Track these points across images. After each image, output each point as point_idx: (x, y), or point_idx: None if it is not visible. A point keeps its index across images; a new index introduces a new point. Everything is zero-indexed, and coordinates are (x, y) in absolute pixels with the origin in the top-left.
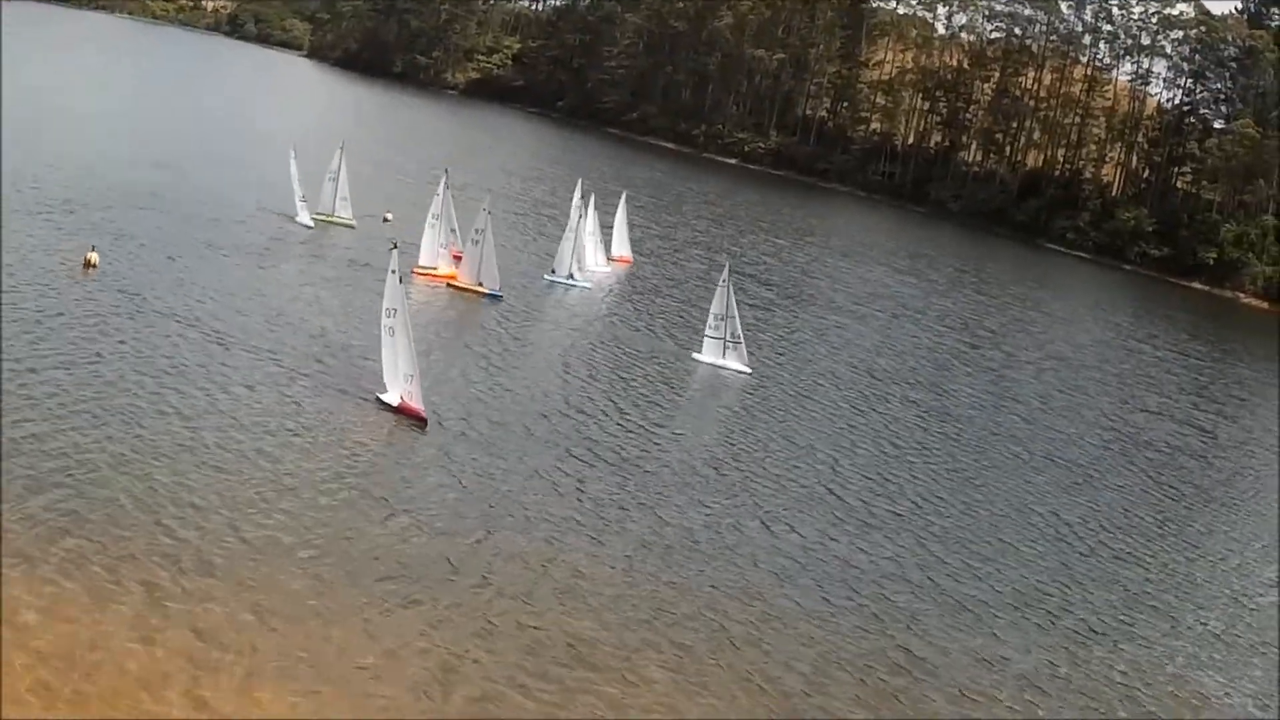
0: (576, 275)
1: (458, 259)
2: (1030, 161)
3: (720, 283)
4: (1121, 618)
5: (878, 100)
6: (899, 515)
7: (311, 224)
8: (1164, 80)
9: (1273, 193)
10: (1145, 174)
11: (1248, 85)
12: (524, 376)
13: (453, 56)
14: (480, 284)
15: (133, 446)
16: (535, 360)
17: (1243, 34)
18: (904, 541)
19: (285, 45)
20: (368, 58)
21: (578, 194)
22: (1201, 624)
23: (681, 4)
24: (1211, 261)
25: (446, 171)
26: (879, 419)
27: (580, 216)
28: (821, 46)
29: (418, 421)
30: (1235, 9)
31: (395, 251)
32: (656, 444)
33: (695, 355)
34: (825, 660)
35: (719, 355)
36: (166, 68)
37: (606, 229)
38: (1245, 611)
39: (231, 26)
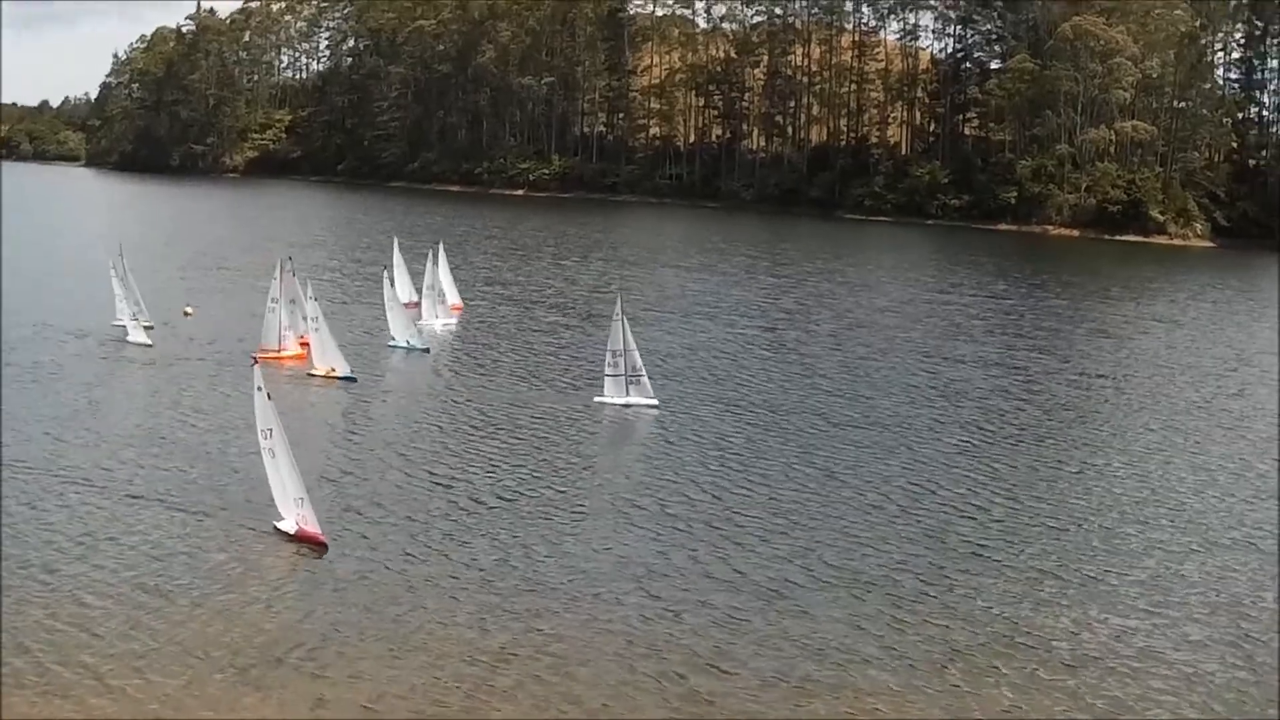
0: (412, 339)
1: (305, 345)
2: (815, 137)
3: (615, 317)
4: (948, 573)
5: (652, 105)
6: (705, 511)
7: (150, 341)
8: (933, 32)
9: (1062, 121)
10: (932, 128)
11: (1017, 21)
12: (418, 461)
13: (227, 139)
14: (332, 369)
15: None
16: (423, 441)
17: None
18: (707, 536)
19: (62, 158)
20: (145, 156)
21: (396, 254)
22: (1028, 563)
23: (442, 47)
24: (1013, 200)
25: (290, 259)
26: (673, 419)
27: (390, 283)
28: (587, 63)
29: (317, 546)
30: None
31: (257, 368)
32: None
33: (598, 397)
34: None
35: (622, 392)
36: None
37: (418, 277)
38: (1066, 545)
39: (7, 149)
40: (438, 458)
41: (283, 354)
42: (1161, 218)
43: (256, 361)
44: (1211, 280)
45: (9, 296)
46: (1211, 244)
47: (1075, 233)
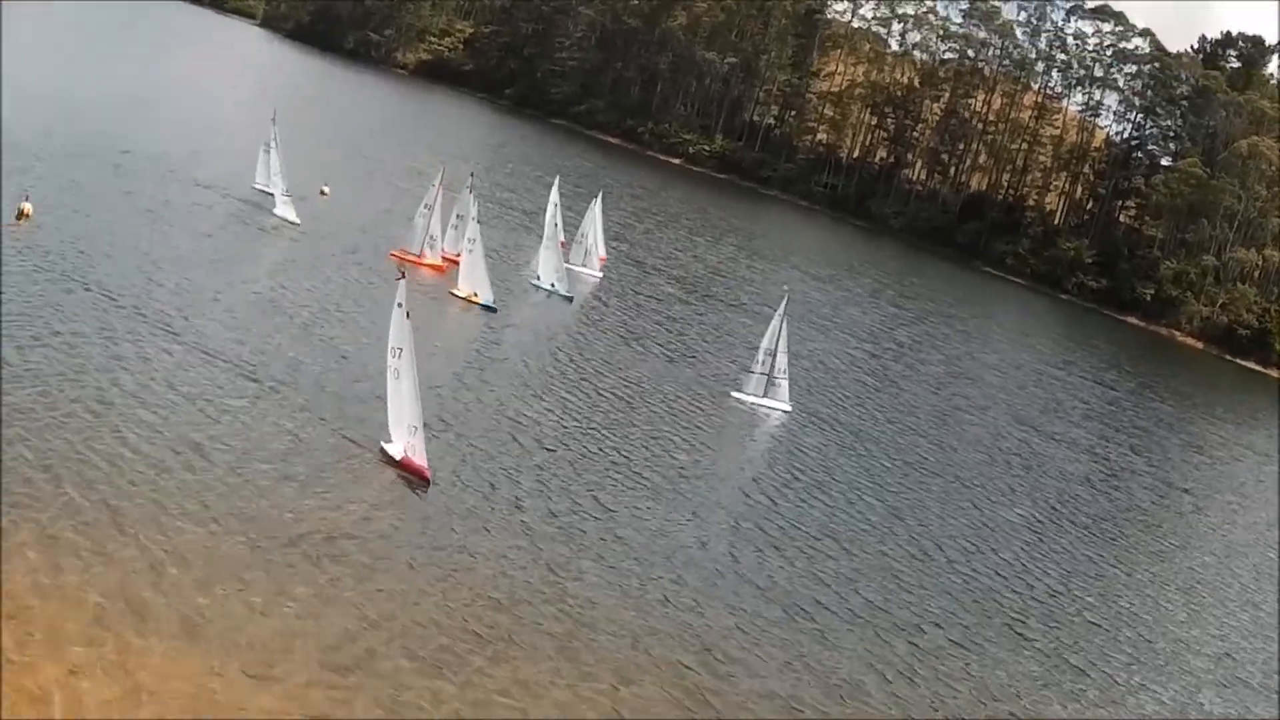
0: (557, 284)
1: (453, 263)
2: (974, 184)
3: (777, 316)
4: (977, 638)
5: (825, 112)
6: (766, 518)
7: (297, 220)
8: (1114, 113)
9: (1214, 233)
10: (1089, 205)
11: (1197, 125)
12: (534, 411)
13: (405, 36)
14: (475, 294)
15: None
16: (545, 391)
17: (1196, 73)
18: (759, 541)
19: (239, 13)
20: (320, 31)
21: (554, 192)
22: (1055, 649)
23: (636, 1)
24: (1149, 297)
25: (472, 175)
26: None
27: (556, 224)
28: (773, 54)
29: (420, 480)
30: (1191, 48)
31: (402, 283)
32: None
33: (735, 393)
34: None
35: (760, 391)
36: (113, 29)
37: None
38: (1096, 642)
39: None
40: (554, 412)
41: (422, 260)
42: None
43: (403, 276)
44: None
45: (161, 141)
46: None
47: (1200, 345)
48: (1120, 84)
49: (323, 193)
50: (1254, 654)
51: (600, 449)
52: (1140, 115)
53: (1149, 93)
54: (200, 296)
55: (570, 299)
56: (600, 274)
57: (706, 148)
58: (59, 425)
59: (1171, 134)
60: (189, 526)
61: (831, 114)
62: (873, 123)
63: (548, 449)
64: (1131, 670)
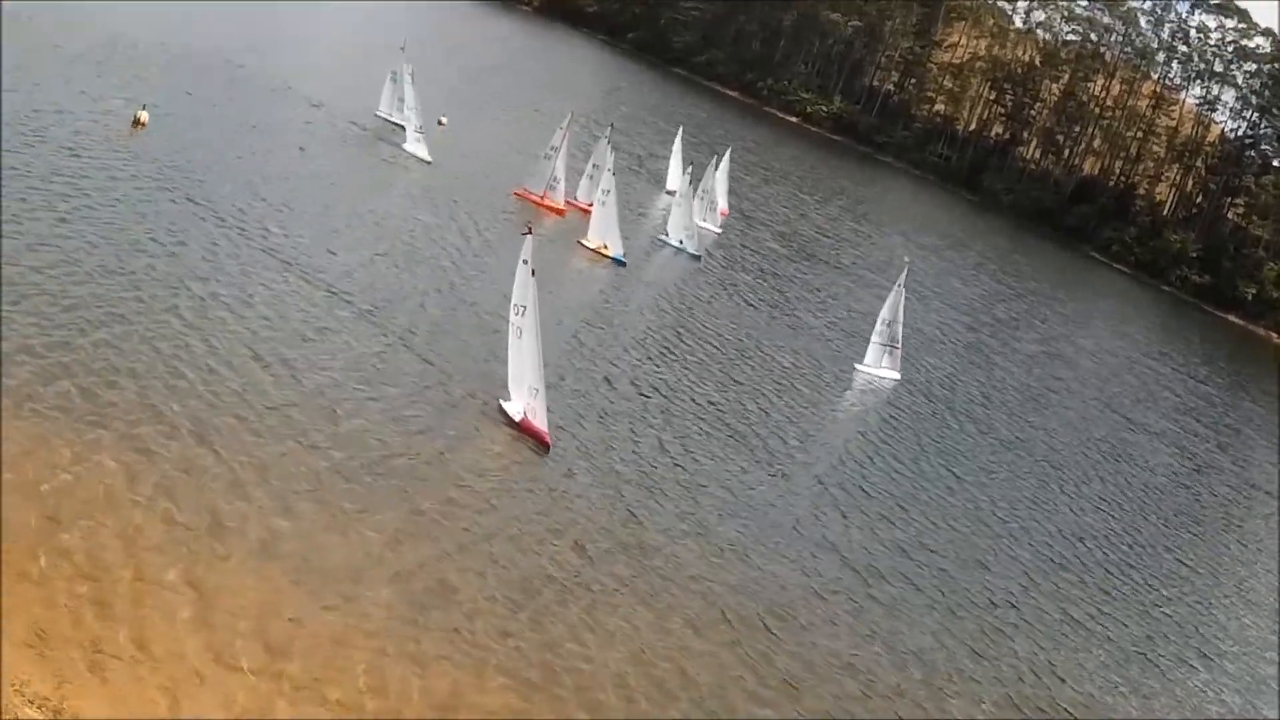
0: (686, 242)
1: (584, 211)
2: (1086, 168)
3: (897, 286)
4: (1047, 622)
5: (945, 83)
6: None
7: (429, 158)
8: (1230, 109)
9: None
10: (1198, 199)
11: None
12: (657, 375)
13: None
14: (605, 246)
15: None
16: (670, 352)
17: None
18: (847, 504)
19: None
20: None
21: (678, 142)
22: (1123, 641)
23: None
24: (1250, 297)
25: (612, 126)
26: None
27: (691, 183)
28: (898, 20)
29: (539, 445)
30: None
31: (529, 239)
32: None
33: (859, 365)
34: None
35: (879, 361)
36: None
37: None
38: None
39: None
40: (678, 375)
41: (544, 201)
42: None
43: (530, 231)
44: None
45: (282, 63)
46: None
47: None
48: (1239, 81)
49: (440, 123)
50: None
51: (718, 416)
52: (1256, 114)
53: (1266, 92)
54: (315, 222)
55: (698, 257)
56: (720, 230)
57: (824, 108)
58: (152, 334)
59: None
60: (274, 444)
61: (950, 85)
62: (991, 98)
63: (665, 412)
64: (1195, 669)
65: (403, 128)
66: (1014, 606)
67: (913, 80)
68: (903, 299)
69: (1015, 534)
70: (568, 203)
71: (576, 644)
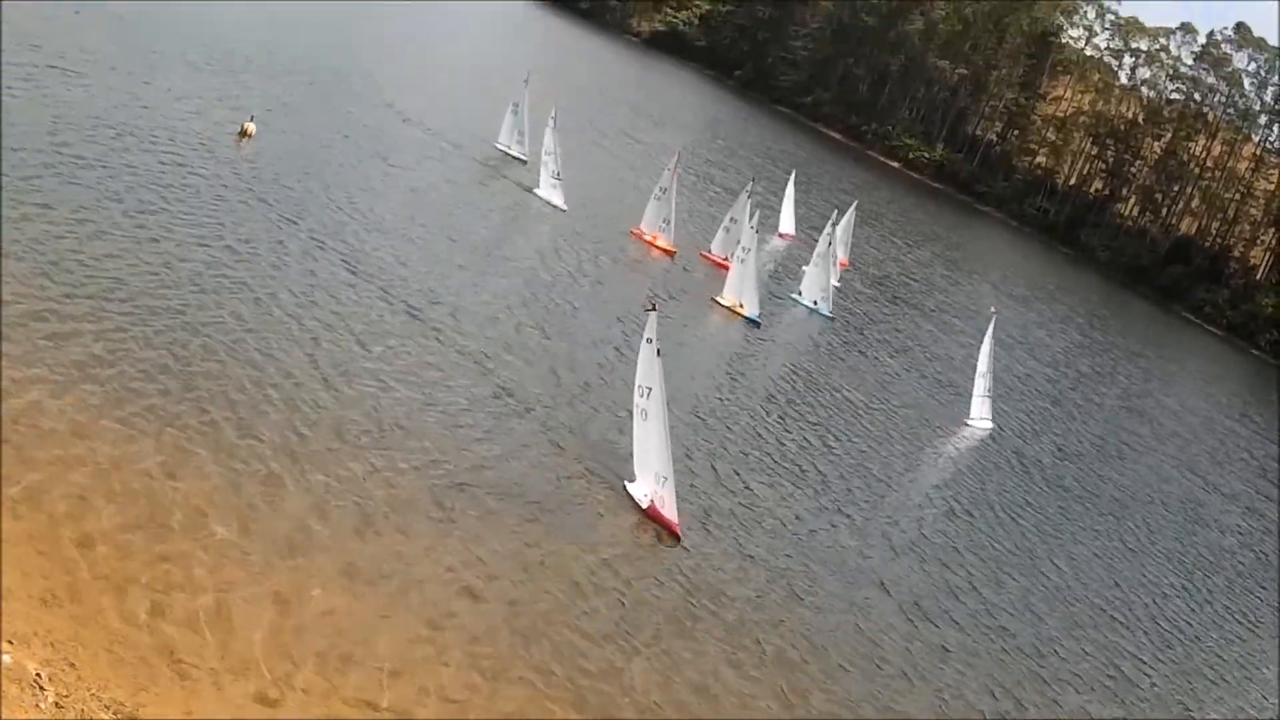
0: (820, 303)
1: (721, 266)
2: (1183, 228)
3: (986, 339)
4: (1094, 683)
5: (1047, 135)
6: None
7: (565, 207)
8: None
9: None
10: None
11: None
12: (789, 445)
13: (642, 4)
14: (740, 305)
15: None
16: (801, 420)
17: None
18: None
19: None
20: None
21: (790, 186)
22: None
23: (876, 0)
24: None
25: (754, 180)
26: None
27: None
28: (1004, 70)
29: (669, 534)
30: None
31: (653, 316)
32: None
33: (967, 419)
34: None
35: (982, 411)
36: None
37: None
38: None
39: None
40: (807, 444)
41: (655, 242)
42: None
43: (654, 307)
44: None
45: (394, 89)
46: None
47: None
48: None
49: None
50: None
51: (841, 479)
52: None
53: None
54: (435, 263)
55: (832, 319)
56: (839, 284)
57: (926, 155)
58: (259, 345)
59: None
60: (369, 479)
61: (1053, 138)
62: (1092, 152)
63: (794, 481)
64: None
65: (522, 161)
66: (1063, 659)
67: (1015, 131)
68: (992, 349)
69: (1073, 587)
70: (702, 255)
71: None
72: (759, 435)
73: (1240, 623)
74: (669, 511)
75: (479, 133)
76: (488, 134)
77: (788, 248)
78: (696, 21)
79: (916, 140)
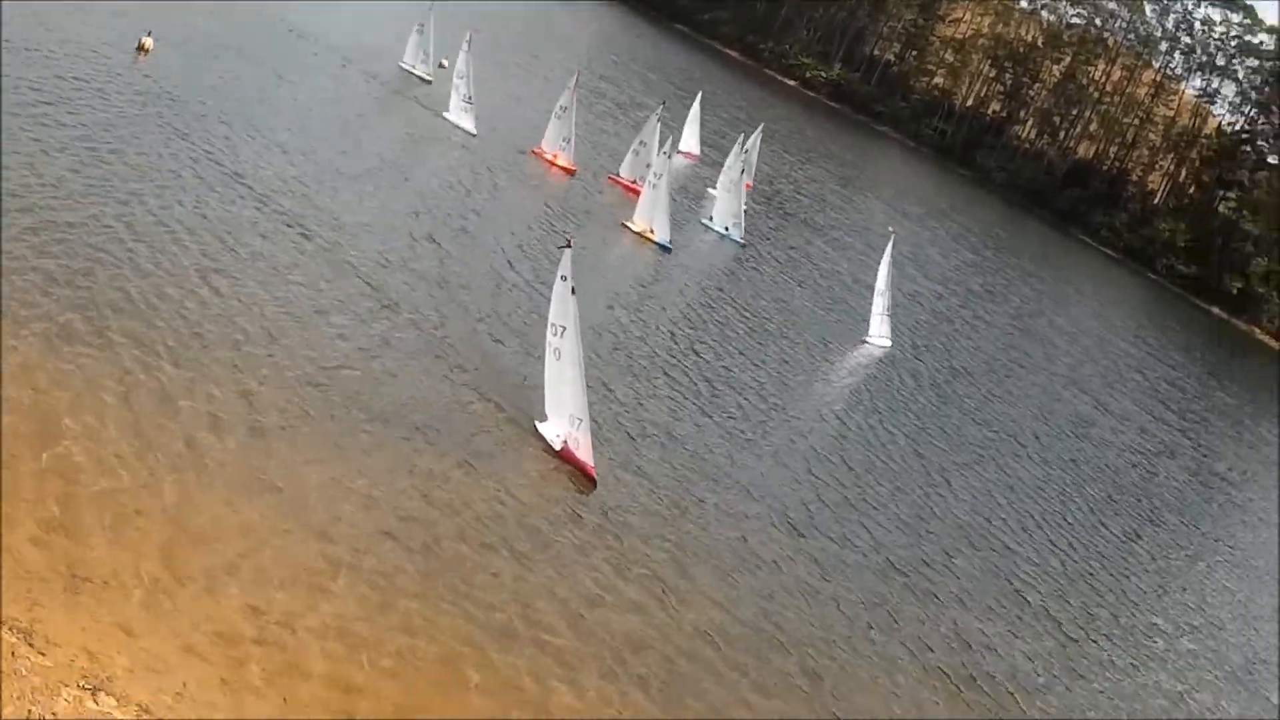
0: (732, 229)
1: (630, 190)
2: (1081, 151)
3: (885, 256)
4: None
5: (946, 57)
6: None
7: (475, 132)
8: (1230, 104)
9: None
10: (1190, 190)
11: None
12: (696, 370)
13: None
14: (651, 231)
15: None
16: (705, 343)
17: None
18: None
19: None
20: None
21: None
22: (1057, 616)
23: None
24: (1236, 291)
25: (664, 103)
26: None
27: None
28: None
29: (584, 478)
30: None
31: (568, 253)
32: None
33: (866, 338)
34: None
35: (881, 329)
36: None
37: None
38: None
39: None
40: (714, 371)
41: (555, 161)
42: None
43: (569, 244)
44: None
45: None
46: None
47: (1278, 345)
48: (1240, 76)
49: (442, 65)
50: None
51: (750, 401)
52: (1255, 110)
53: (1266, 89)
54: (335, 181)
55: (743, 245)
56: (745, 206)
57: (824, 74)
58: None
59: None
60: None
61: (951, 60)
62: (991, 75)
63: (706, 418)
64: (1119, 645)
65: (427, 81)
66: (951, 572)
67: (914, 52)
68: (890, 268)
69: (960, 498)
70: (610, 179)
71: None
72: (666, 364)
73: (1121, 538)
74: (584, 454)
75: (384, 52)
76: (393, 54)
77: (691, 168)
78: None
79: (814, 59)
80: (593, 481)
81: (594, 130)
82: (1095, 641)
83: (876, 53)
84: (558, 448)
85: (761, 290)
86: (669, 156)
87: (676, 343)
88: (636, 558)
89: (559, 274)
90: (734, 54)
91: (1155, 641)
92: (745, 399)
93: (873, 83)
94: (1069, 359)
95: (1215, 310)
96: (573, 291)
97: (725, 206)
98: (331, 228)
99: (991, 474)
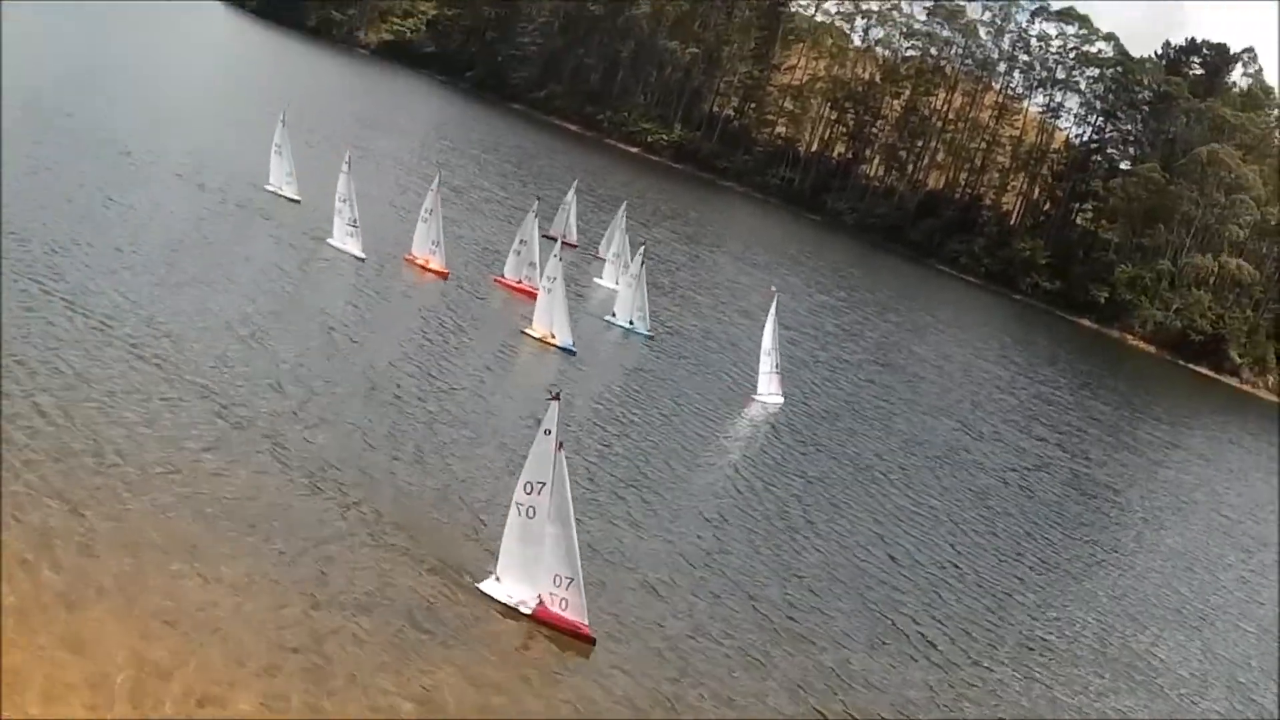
0: (637, 322)
1: (529, 294)
2: (931, 182)
3: (770, 315)
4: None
5: (785, 105)
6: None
7: (364, 256)
8: (1075, 115)
9: (1171, 239)
10: (1046, 206)
11: (1158, 130)
12: (616, 481)
13: (368, 16)
14: (552, 335)
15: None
16: (620, 438)
17: (1159, 79)
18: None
19: None
20: (280, 8)
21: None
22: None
23: None
24: (1103, 300)
25: (538, 199)
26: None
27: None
28: (736, 45)
29: (580, 639)
30: (1155, 53)
31: (555, 405)
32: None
33: (755, 395)
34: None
35: (770, 387)
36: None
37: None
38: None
39: None
40: (625, 468)
41: (428, 264)
42: (1239, 360)
43: (557, 397)
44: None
45: (135, 127)
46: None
47: (1152, 349)
48: (1082, 87)
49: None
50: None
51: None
52: (1101, 119)
53: (1110, 96)
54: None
55: (651, 336)
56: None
57: (665, 137)
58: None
59: (1131, 138)
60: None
61: (791, 107)
62: (832, 117)
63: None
64: (1028, 671)
65: (296, 201)
66: (822, 612)
67: (753, 105)
68: (775, 326)
69: (826, 540)
70: (496, 280)
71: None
72: (578, 468)
73: (1001, 557)
74: (573, 613)
75: (243, 174)
76: (254, 175)
77: (574, 257)
78: (423, 28)
79: (653, 124)
80: (591, 641)
81: (449, 225)
82: (984, 664)
83: (716, 109)
84: (527, 611)
85: (658, 374)
86: (560, 259)
87: (583, 454)
88: None
89: (542, 428)
90: (573, 127)
91: (1046, 655)
92: (648, 493)
93: (714, 139)
94: (934, 388)
95: (1085, 322)
96: (560, 446)
97: (627, 299)
98: (216, 370)
99: (858, 512)
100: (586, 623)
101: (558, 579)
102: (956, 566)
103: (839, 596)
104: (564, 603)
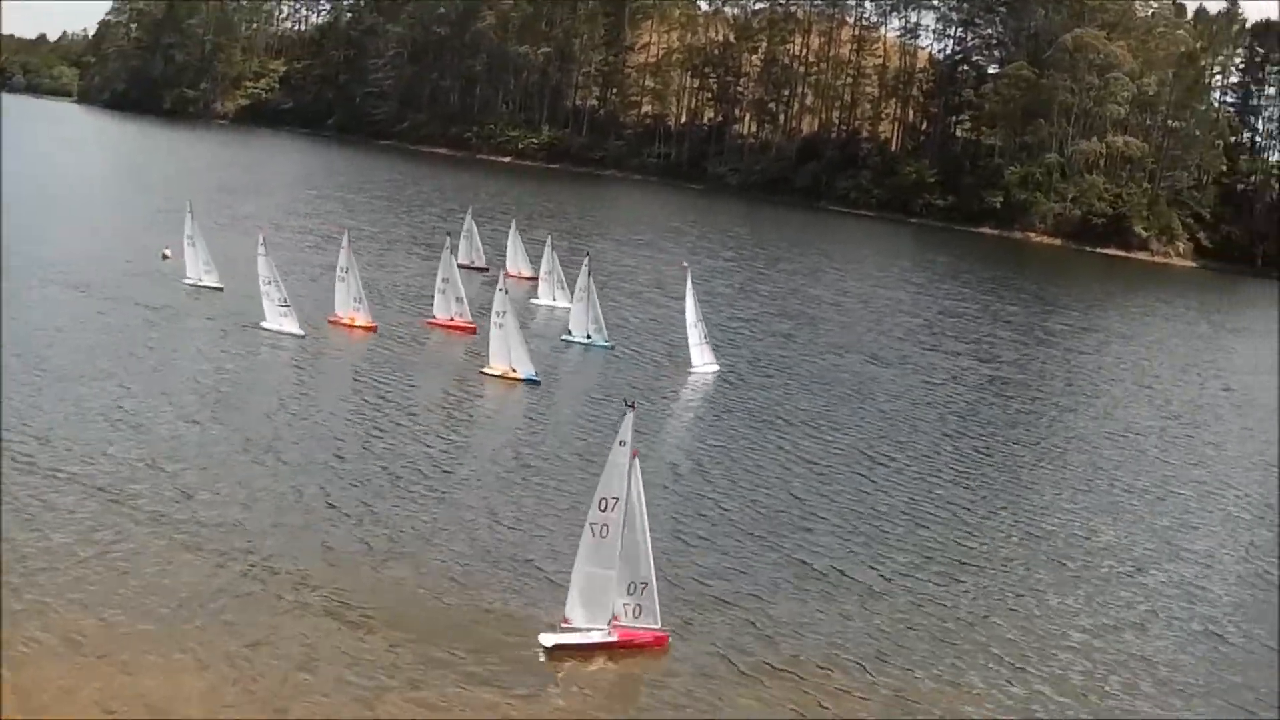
0: (594, 335)
1: (464, 330)
2: (806, 128)
3: (688, 291)
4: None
5: (647, 84)
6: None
7: (302, 332)
8: (934, 32)
9: (1054, 130)
10: (924, 126)
11: (1018, 28)
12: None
13: (220, 86)
14: (513, 369)
15: None
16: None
17: None
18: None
19: (55, 92)
20: (136, 96)
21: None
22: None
23: (442, 9)
24: (998, 205)
25: (450, 235)
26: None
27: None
28: (585, 36)
29: (654, 647)
30: None
31: (631, 414)
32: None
33: (691, 367)
34: None
35: (704, 357)
36: None
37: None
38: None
39: (2, 80)
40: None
41: (354, 322)
42: (1145, 234)
43: (633, 406)
44: (1185, 299)
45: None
46: (1193, 264)
47: (1058, 242)
48: (935, 2)
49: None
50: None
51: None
52: (960, 29)
53: (965, 5)
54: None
55: (612, 346)
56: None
57: (534, 140)
58: None
59: (994, 41)
60: None
61: (653, 85)
62: (695, 85)
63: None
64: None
65: (219, 289)
66: (741, 572)
67: (614, 90)
68: (694, 300)
69: (750, 496)
70: (428, 323)
71: None
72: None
73: (921, 477)
74: (646, 618)
75: (154, 273)
76: (171, 275)
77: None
78: (277, 86)
79: (520, 130)
80: (664, 647)
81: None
82: (923, 608)
83: (579, 103)
84: (602, 636)
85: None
86: (506, 292)
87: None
88: None
89: (618, 439)
90: (442, 151)
91: (983, 562)
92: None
93: (583, 132)
94: (834, 326)
95: (985, 230)
96: (634, 456)
97: (581, 314)
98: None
99: (771, 465)
100: (659, 626)
101: (633, 586)
102: (873, 499)
103: (756, 553)
104: (638, 609)
